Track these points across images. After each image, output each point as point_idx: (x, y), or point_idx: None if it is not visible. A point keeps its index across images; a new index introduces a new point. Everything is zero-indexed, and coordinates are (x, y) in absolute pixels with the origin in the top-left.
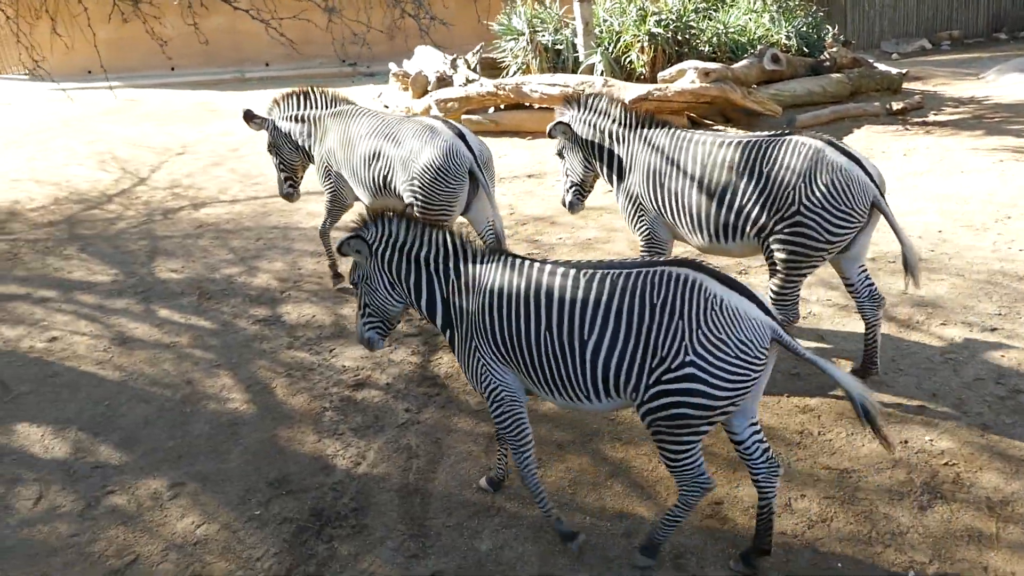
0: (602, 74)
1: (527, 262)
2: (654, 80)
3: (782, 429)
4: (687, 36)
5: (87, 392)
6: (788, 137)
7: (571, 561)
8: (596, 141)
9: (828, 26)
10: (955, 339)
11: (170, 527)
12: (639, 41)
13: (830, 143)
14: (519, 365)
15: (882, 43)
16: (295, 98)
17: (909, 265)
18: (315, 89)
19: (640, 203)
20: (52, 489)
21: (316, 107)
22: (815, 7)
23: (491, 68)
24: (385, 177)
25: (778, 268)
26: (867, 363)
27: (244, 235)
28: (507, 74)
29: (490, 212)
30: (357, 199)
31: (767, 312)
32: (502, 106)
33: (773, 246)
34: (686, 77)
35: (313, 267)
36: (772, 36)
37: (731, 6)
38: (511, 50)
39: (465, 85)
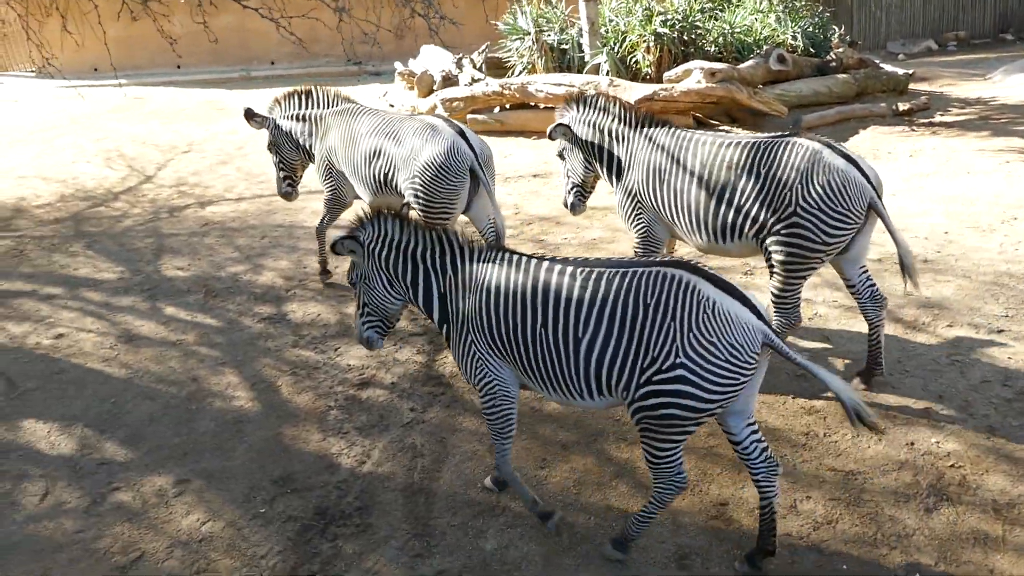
0: (608, 74)
1: (524, 258)
2: (660, 80)
3: (788, 430)
4: (693, 36)
5: (93, 389)
6: (787, 139)
7: (575, 561)
8: (596, 141)
9: (834, 26)
10: (961, 341)
11: (175, 524)
12: (645, 41)
13: (828, 145)
14: (515, 360)
15: (888, 44)
16: (296, 97)
17: (905, 267)
18: (317, 88)
19: (638, 201)
20: (58, 485)
21: (317, 106)
22: (821, 7)
23: (497, 68)
24: (386, 175)
25: (777, 270)
26: (871, 364)
27: (250, 233)
28: (512, 74)
29: (491, 210)
30: (357, 197)
31: (760, 316)
32: (507, 106)
33: (771, 247)
34: (692, 77)
35: (318, 266)
36: (778, 36)
37: (737, 6)
38: (517, 50)
39: (471, 84)
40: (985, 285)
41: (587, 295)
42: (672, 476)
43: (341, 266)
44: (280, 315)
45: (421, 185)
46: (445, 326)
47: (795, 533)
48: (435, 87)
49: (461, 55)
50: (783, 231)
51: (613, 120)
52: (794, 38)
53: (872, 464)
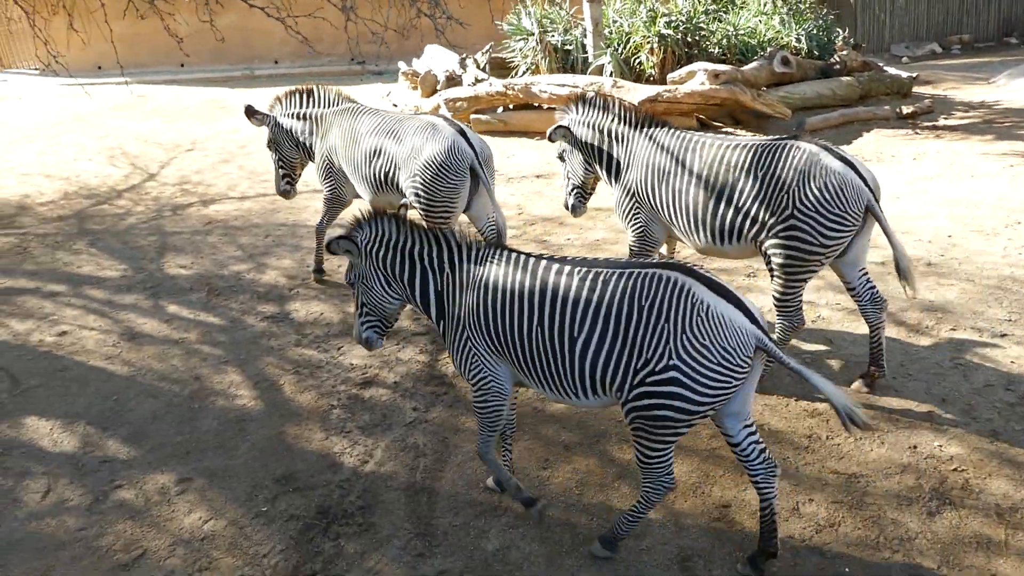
0: (611, 75)
1: (521, 256)
2: (663, 81)
3: (790, 433)
4: (697, 38)
5: (96, 387)
6: (785, 142)
7: (577, 562)
8: (596, 142)
9: (838, 29)
10: (965, 344)
11: (177, 522)
12: (649, 42)
13: (825, 148)
14: (511, 358)
15: (892, 47)
16: (297, 96)
17: (902, 270)
18: (318, 87)
19: (637, 200)
20: (60, 483)
21: (318, 105)
22: (825, 10)
23: (500, 68)
24: (387, 174)
25: (777, 273)
26: (873, 366)
27: (253, 232)
28: (516, 74)
29: (491, 209)
30: (357, 196)
31: (754, 320)
32: (511, 106)
33: (770, 250)
34: (696, 79)
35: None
36: (782, 38)
37: (741, 8)
38: (520, 50)
39: (474, 85)
40: (989, 289)
41: (583, 295)
42: (661, 476)
43: (339, 266)
44: (283, 314)
45: (422, 184)
46: (442, 322)
47: (797, 536)
48: (439, 87)
49: (465, 55)
50: (781, 234)
51: (613, 120)
52: (798, 40)
53: (875, 467)
